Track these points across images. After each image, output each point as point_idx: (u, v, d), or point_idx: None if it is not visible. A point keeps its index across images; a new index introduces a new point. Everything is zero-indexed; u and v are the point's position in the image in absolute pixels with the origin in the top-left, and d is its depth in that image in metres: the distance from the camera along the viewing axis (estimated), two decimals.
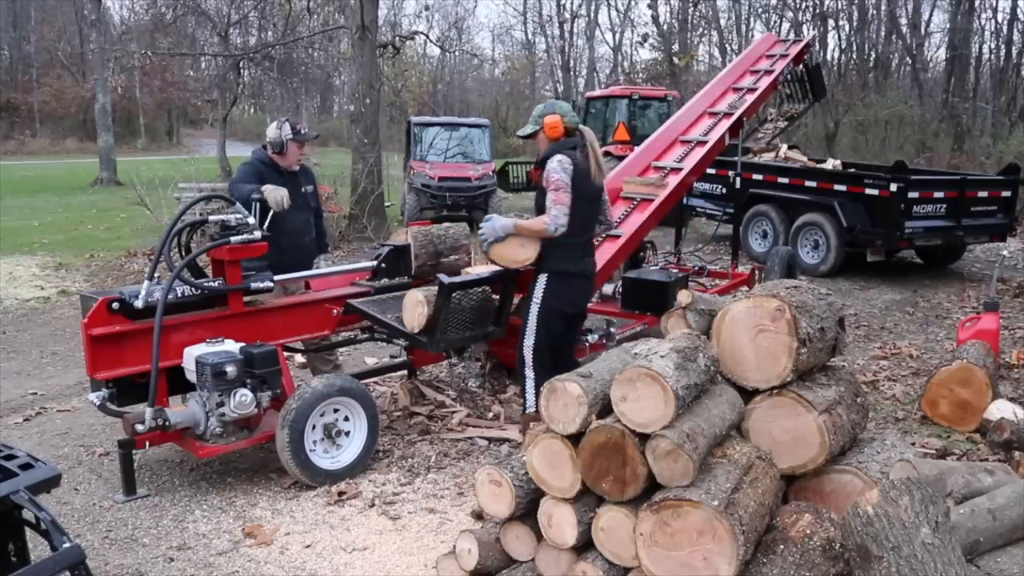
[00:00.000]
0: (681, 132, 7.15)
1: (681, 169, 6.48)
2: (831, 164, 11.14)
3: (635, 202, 6.19)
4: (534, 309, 4.17)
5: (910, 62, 24.22)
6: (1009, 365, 5.85)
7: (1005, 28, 23.89)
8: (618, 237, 5.79)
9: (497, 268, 4.42)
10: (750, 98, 7.29)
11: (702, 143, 6.79)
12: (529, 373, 4.24)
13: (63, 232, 12.91)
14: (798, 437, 2.63)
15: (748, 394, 2.73)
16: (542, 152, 4.21)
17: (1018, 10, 22.84)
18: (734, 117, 6.98)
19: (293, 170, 4.80)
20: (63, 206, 16.60)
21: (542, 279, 4.18)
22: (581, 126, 4.24)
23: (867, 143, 20.91)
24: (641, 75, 29.09)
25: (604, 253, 5.64)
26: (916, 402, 5.10)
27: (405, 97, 24.97)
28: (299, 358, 5.64)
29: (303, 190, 4.86)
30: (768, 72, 7.78)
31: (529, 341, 4.20)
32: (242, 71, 25.37)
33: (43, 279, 9.35)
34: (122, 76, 27.86)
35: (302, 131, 4.75)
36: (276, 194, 4.38)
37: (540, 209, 4.18)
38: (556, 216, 4.02)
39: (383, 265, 4.66)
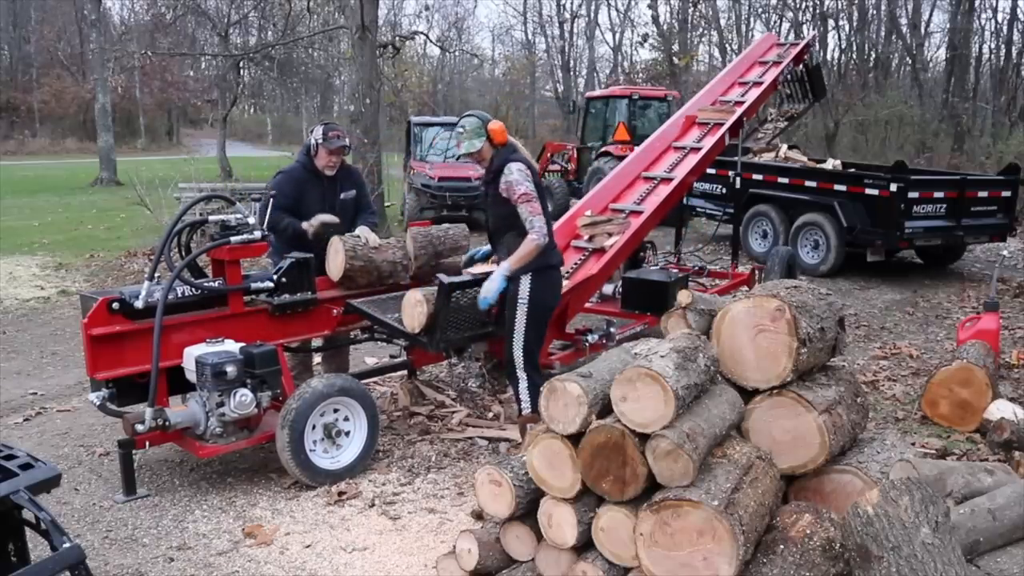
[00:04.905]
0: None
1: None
2: (831, 164, 11.13)
3: (708, 126, 7.09)
4: (522, 311, 4.14)
5: (910, 62, 24.21)
6: (1009, 365, 5.85)
7: (1005, 28, 23.90)
8: (699, 149, 6.69)
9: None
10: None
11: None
12: (522, 375, 4.23)
13: (63, 232, 12.91)
14: (798, 437, 2.63)
15: (748, 394, 2.73)
16: (490, 163, 4.20)
17: (1018, 10, 22.85)
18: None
19: (328, 175, 4.74)
20: (63, 206, 16.60)
21: (525, 280, 4.12)
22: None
23: (867, 143, 20.89)
24: (641, 75, 29.10)
25: (687, 164, 6.51)
26: (916, 402, 5.10)
27: (405, 97, 24.94)
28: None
29: (342, 197, 4.81)
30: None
31: (519, 344, 4.18)
32: (242, 71, 25.38)
33: (43, 279, 9.35)
34: (122, 76, 27.82)
35: (331, 137, 4.65)
36: (313, 226, 4.55)
37: (500, 223, 4.22)
38: (541, 227, 4.07)
39: (283, 280, 4.24)
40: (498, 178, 4.13)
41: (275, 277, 4.24)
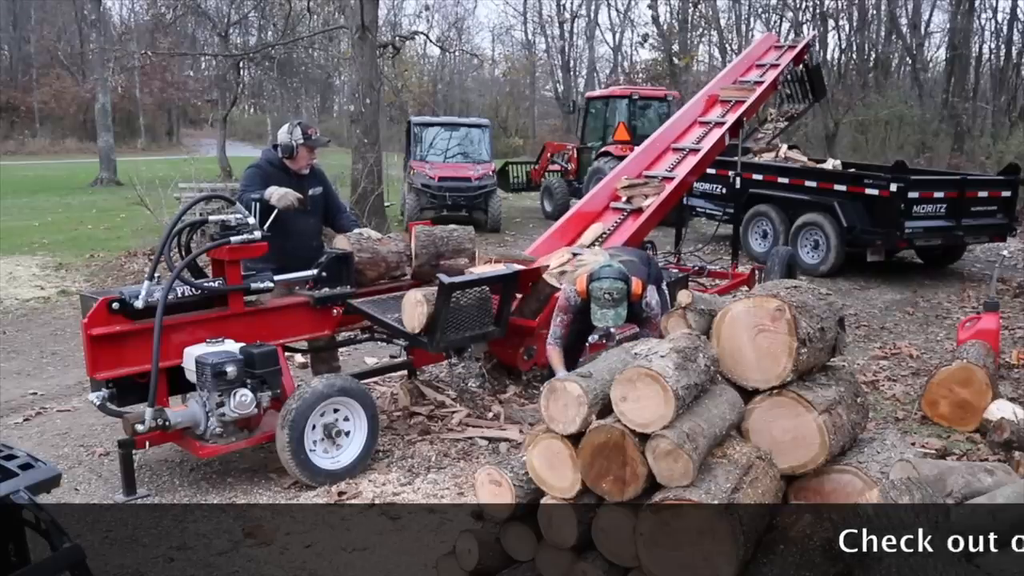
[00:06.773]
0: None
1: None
2: (831, 164, 11.13)
3: (730, 103, 7.67)
4: None
5: (910, 62, 24.22)
6: (1009, 365, 5.85)
7: (1005, 28, 23.92)
8: (723, 124, 7.31)
9: (499, 269, 4.44)
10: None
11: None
12: None
13: (63, 232, 12.90)
14: (798, 437, 2.63)
15: (748, 394, 2.73)
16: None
17: (1018, 10, 22.88)
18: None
19: (303, 173, 4.70)
20: (63, 206, 16.59)
21: None
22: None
23: (867, 143, 20.87)
24: (641, 75, 29.13)
25: (712, 138, 7.15)
26: (916, 402, 5.09)
27: (405, 97, 24.96)
28: (299, 358, 5.64)
29: (310, 193, 4.73)
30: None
31: None
32: (242, 71, 25.33)
33: (43, 279, 9.34)
34: (122, 76, 27.74)
35: (313, 136, 4.64)
36: (279, 193, 4.38)
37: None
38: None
39: (324, 274, 4.36)
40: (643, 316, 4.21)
41: (315, 272, 4.33)
